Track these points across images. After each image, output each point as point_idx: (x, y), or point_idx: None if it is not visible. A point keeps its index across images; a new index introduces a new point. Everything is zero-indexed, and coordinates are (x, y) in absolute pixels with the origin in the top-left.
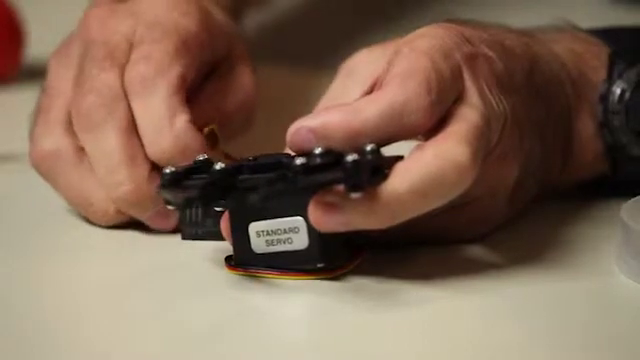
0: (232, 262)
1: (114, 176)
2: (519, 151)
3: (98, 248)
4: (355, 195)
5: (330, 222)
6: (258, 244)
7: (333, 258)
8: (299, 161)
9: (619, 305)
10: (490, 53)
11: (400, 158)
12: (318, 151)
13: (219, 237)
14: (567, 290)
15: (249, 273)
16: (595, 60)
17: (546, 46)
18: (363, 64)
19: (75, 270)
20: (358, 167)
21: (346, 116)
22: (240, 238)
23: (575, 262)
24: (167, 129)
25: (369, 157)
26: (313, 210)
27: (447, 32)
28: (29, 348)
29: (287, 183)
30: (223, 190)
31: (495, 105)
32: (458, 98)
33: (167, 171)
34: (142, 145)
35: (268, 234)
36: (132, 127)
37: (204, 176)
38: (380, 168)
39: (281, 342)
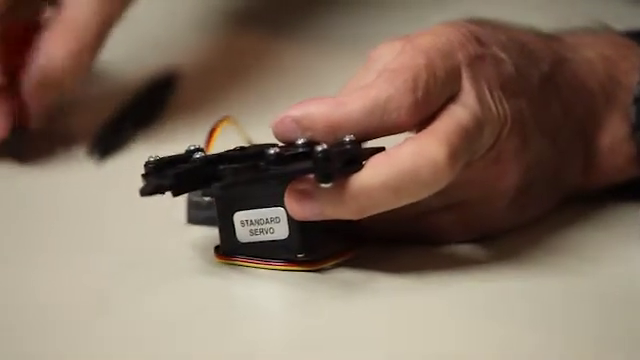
0: (220, 251)
1: None
2: (520, 156)
3: (91, 235)
4: (325, 185)
5: (303, 210)
6: (242, 233)
7: (314, 250)
8: (272, 151)
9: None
10: (501, 55)
11: (381, 150)
12: (300, 142)
13: None
14: (567, 291)
15: (235, 262)
16: (627, 63)
17: (575, 50)
18: (382, 55)
19: (59, 258)
20: (328, 157)
21: (329, 108)
22: (226, 227)
23: (578, 264)
24: None
25: (346, 147)
26: (288, 198)
27: (455, 31)
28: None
29: (257, 172)
30: (203, 179)
31: (493, 108)
32: (453, 97)
33: (151, 159)
34: None
35: (251, 224)
36: None
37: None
38: (356, 159)
39: (248, 330)
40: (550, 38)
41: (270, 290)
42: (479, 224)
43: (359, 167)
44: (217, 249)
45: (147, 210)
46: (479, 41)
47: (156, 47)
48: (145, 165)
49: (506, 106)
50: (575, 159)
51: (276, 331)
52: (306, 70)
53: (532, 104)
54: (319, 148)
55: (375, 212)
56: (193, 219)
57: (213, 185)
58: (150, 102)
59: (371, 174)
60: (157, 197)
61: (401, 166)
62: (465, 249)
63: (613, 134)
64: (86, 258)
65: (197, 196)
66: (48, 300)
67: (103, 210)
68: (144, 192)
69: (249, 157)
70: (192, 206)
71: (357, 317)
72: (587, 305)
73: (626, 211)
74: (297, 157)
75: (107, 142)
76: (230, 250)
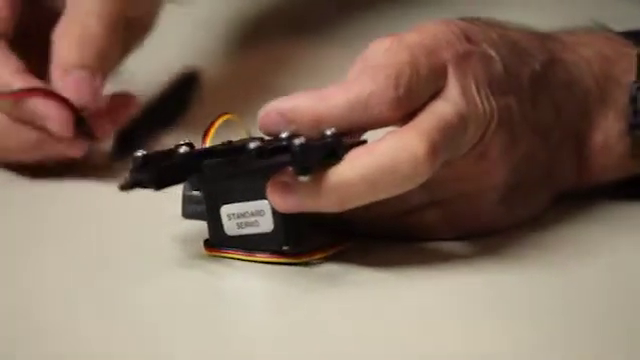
0: (209, 244)
1: None
2: (508, 154)
3: (85, 225)
4: (303, 178)
5: (285, 203)
6: (230, 226)
7: (299, 242)
8: (253, 145)
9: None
10: (491, 52)
11: (362, 143)
12: (285, 135)
13: None
14: (551, 286)
15: (223, 254)
16: (625, 62)
17: (572, 49)
18: (372, 53)
19: (48, 247)
20: (305, 151)
21: (313, 102)
22: (214, 220)
23: (565, 260)
24: None
25: (326, 140)
26: (270, 190)
27: (443, 28)
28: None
29: (236, 166)
30: (185, 174)
31: (479, 105)
32: (437, 94)
33: (138, 154)
34: None
35: (238, 217)
36: None
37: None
38: (336, 152)
39: (232, 324)
40: (546, 37)
41: (256, 283)
42: (466, 221)
43: (339, 160)
44: (207, 242)
45: (142, 204)
46: (468, 39)
47: (179, 48)
48: (132, 160)
49: (493, 103)
50: (568, 158)
51: (260, 323)
52: (329, 72)
53: (522, 102)
54: (297, 142)
55: (355, 205)
56: (187, 213)
57: (190, 179)
58: (172, 102)
59: (350, 167)
60: (155, 192)
61: (380, 159)
62: (452, 245)
63: (606, 133)
64: (77, 254)
65: (191, 190)
66: (39, 296)
67: (98, 205)
68: (123, 187)
69: (231, 151)
70: (186, 200)
71: (342, 311)
72: (578, 301)
73: (615, 207)
74: (277, 151)
75: (128, 142)
76: (219, 243)
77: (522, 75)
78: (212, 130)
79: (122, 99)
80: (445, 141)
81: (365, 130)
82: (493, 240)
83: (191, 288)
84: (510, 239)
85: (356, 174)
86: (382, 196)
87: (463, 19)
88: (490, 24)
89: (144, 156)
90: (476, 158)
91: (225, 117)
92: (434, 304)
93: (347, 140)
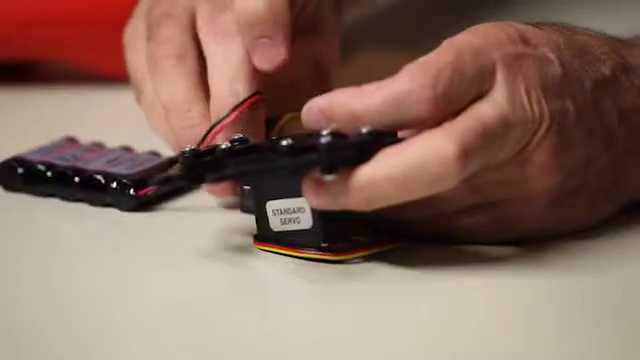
0: (258, 238)
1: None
2: (560, 158)
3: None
4: (328, 177)
5: (317, 200)
6: (274, 222)
7: (338, 240)
8: (285, 142)
9: None
10: (549, 55)
11: (399, 141)
12: (325, 132)
13: None
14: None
15: (270, 249)
16: None
17: None
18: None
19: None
20: (331, 150)
21: (350, 99)
22: (261, 216)
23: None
24: None
25: (357, 139)
26: (304, 187)
27: (496, 30)
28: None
29: (264, 164)
30: (217, 170)
31: (528, 107)
32: (482, 95)
33: (186, 149)
34: None
35: (281, 213)
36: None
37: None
38: (367, 151)
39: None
40: (621, 43)
41: (282, 278)
42: (513, 225)
43: (368, 159)
44: (256, 236)
45: (207, 198)
46: (525, 41)
47: None
48: (180, 154)
49: (545, 106)
50: (635, 165)
51: (293, 318)
52: None
53: (581, 107)
54: (323, 140)
55: (384, 204)
56: (244, 208)
57: (208, 176)
58: None
59: (378, 166)
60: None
61: (408, 160)
62: (498, 249)
63: None
64: (131, 245)
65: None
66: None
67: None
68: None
69: (264, 149)
70: (244, 196)
71: (373, 309)
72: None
73: None
74: (306, 149)
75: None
76: (266, 238)
77: (584, 80)
78: (275, 128)
79: None
80: (480, 144)
81: (402, 129)
82: (542, 245)
83: (213, 281)
84: (562, 245)
85: (384, 173)
86: (412, 197)
87: (527, 22)
88: (558, 28)
89: (192, 150)
90: (522, 162)
91: (289, 116)
92: (463, 305)
93: (382, 139)
